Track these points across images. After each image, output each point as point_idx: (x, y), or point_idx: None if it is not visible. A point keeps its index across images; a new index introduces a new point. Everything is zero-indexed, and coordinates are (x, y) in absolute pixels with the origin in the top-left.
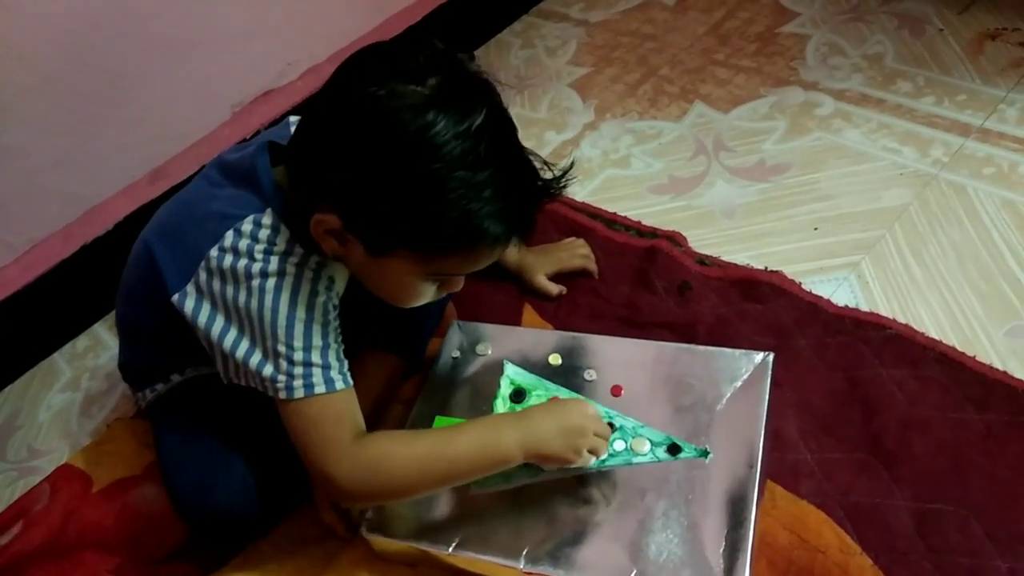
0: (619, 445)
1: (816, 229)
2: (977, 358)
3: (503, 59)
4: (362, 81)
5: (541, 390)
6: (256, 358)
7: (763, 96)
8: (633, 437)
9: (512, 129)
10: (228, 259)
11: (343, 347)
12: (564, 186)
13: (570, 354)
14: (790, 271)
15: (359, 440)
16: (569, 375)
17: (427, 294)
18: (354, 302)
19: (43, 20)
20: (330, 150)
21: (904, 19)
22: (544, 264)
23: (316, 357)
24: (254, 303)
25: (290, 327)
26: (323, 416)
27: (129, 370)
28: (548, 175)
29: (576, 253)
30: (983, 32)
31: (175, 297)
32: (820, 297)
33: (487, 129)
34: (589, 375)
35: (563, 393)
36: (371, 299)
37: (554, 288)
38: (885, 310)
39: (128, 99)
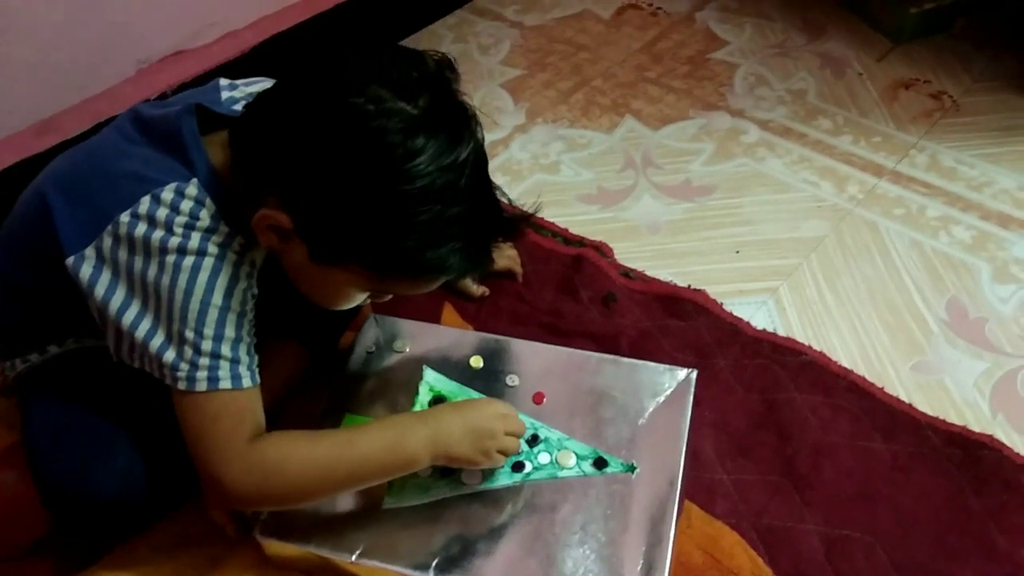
0: (544, 458)
1: (738, 252)
2: (885, 389)
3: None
4: (345, 87)
5: (463, 398)
6: (157, 340)
7: (692, 118)
8: (558, 450)
9: (486, 164)
10: (141, 228)
11: (255, 341)
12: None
13: (492, 357)
14: (711, 291)
15: (255, 441)
16: (490, 379)
17: (357, 300)
18: (263, 288)
19: None
20: (296, 150)
21: (826, 60)
22: None
23: (226, 349)
24: (165, 280)
25: (203, 312)
26: (223, 413)
27: None
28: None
29: (503, 254)
30: (898, 80)
31: (70, 260)
32: (740, 319)
33: (469, 163)
34: (511, 380)
35: None
36: (283, 286)
37: (477, 289)
38: (800, 336)
39: (18, 38)
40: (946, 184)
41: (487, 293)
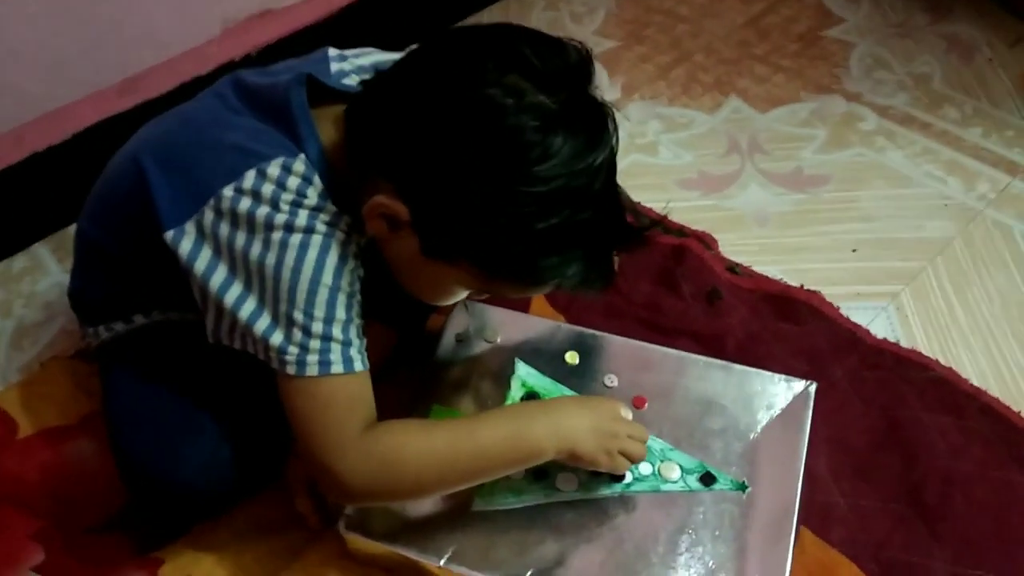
0: (646, 468)
1: (855, 251)
2: (1022, 414)
3: (524, 18)
4: (482, 76)
5: (557, 395)
6: (263, 322)
7: (803, 100)
8: (662, 461)
9: (615, 169)
10: (245, 203)
11: (362, 323)
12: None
13: (589, 354)
14: (825, 293)
15: (369, 430)
16: (587, 378)
17: (459, 297)
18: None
19: None
20: (422, 140)
21: (953, 43)
22: None
23: (337, 331)
24: (271, 258)
25: (313, 292)
26: (334, 399)
27: (82, 300)
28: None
29: None
30: None
31: (170, 234)
32: (859, 326)
33: (604, 168)
34: (609, 380)
35: None
36: (373, 269)
37: None
38: (925, 348)
39: None
40: None
41: None
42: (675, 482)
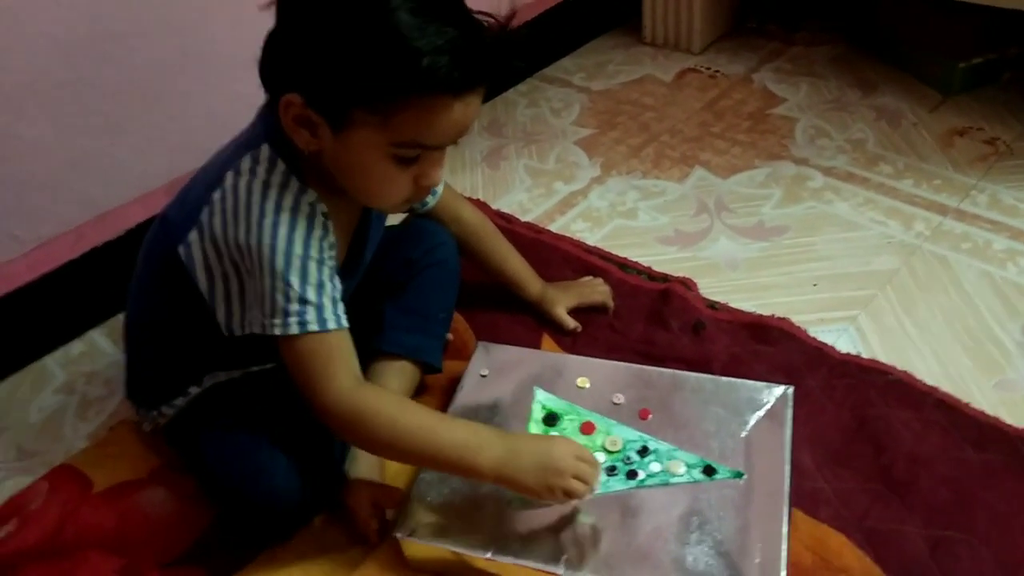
0: (655, 467)
1: (815, 285)
2: (971, 405)
3: (510, 114)
4: None
5: (573, 415)
6: (256, 301)
7: (758, 167)
8: (668, 460)
9: None
10: (230, 199)
11: (339, 291)
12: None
13: (597, 378)
14: (794, 320)
15: (359, 387)
16: (597, 397)
17: (402, 182)
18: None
19: (85, 18)
20: (286, 32)
21: (882, 112)
22: (565, 298)
23: (312, 295)
24: (253, 240)
25: (288, 265)
26: (315, 352)
27: (140, 385)
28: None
29: (596, 289)
30: (952, 129)
31: (181, 249)
32: (825, 343)
33: None
34: (617, 399)
35: (595, 418)
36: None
37: (571, 322)
38: (883, 359)
39: (157, 107)
40: (1008, 220)
41: (580, 328)
42: (682, 475)
